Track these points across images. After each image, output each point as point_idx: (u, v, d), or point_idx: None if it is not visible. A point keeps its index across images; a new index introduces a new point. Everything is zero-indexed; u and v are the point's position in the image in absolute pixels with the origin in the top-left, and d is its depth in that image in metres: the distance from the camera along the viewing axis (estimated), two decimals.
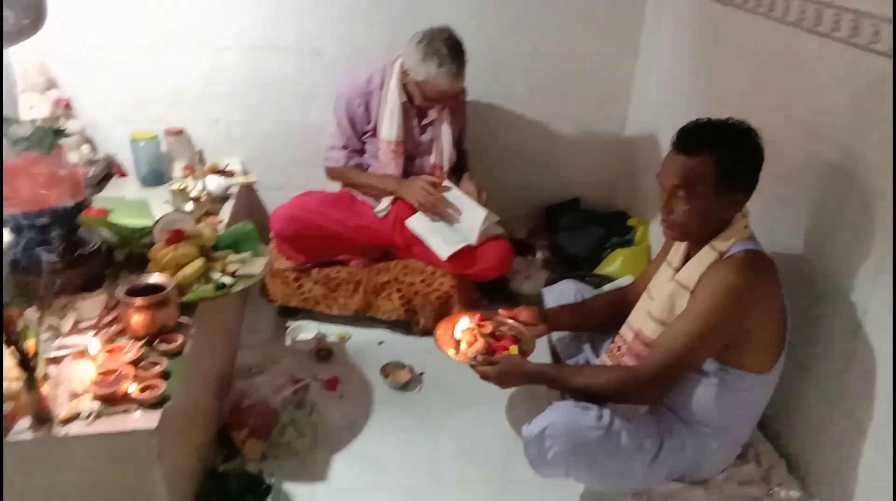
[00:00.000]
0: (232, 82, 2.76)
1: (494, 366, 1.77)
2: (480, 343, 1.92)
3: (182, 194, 2.44)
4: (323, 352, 2.44)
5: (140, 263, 1.96)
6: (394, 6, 2.71)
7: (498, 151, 3.03)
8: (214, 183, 2.55)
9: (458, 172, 2.69)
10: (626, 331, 1.88)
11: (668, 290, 1.73)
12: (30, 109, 2.51)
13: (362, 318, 2.58)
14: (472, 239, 2.45)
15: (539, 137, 3.05)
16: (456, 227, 2.50)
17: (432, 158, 2.63)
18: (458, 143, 2.71)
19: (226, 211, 2.52)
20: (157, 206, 2.46)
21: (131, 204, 2.48)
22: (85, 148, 2.67)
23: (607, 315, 2.02)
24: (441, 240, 2.45)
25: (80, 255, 1.87)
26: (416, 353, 2.48)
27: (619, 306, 1.99)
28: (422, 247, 2.50)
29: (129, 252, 2.02)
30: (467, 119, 2.76)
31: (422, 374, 2.38)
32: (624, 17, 2.88)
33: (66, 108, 2.60)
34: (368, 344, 2.54)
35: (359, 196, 2.66)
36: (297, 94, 2.82)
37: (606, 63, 2.96)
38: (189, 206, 2.40)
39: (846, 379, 1.75)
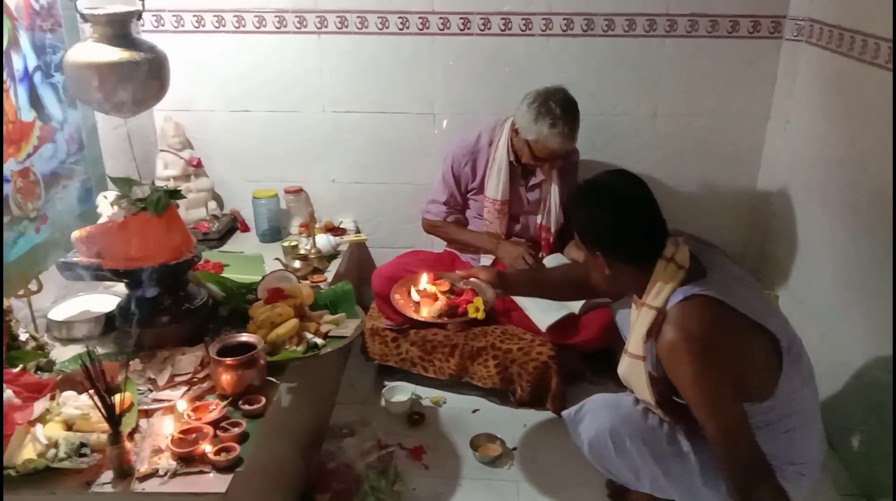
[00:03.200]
0: (349, 144, 2.86)
1: None
2: (442, 301, 1.91)
3: (292, 250, 2.52)
4: (415, 416, 2.39)
5: (242, 319, 2.02)
6: (508, 69, 2.71)
7: None
8: (324, 241, 2.63)
9: (564, 237, 2.60)
10: None
11: (626, 363, 1.66)
12: (164, 167, 2.73)
13: (458, 383, 2.52)
14: (575, 308, 2.35)
15: (657, 199, 2.89)
16: None
17: (539, 219, 2.57)
18: (567, 207, 2.63)
19: (333, 269, 2.58)
20: (271, 262, 2.56)
21: (247, 259, 2.60)
22: (212, 204, 2.85)
23: (566, 290, 2.02)
24: (542, 309, 2.36)
25: (185, 309, 1.96)
26: (511, 425, 2.38)
27: (578, 283, 1.93)
28: (521, 313, 2.42)
29: (234, 308, 2.10)
30: (578, 181, 2.67)
31: (514, 449, 2.27)
32: (754, 76, 2.69)
33: (197, 166, 2.79)
34: (462, 411, 2.47)
35: (462, 257, 2.63)
36: (409, 155, 2.87)
37: (734, 123, 2.77)
38: (297, 263, 2.47)
39: None
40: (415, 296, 1.97)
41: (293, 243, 2.55)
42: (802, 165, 2.59)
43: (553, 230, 2.57)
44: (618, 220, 1.56)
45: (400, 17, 2.66)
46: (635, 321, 1.62)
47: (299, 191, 2.90)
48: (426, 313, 1.92)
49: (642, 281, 1.58)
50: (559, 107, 2.29)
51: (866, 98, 2.15)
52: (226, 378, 1.72)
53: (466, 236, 2.60)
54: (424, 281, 1.99)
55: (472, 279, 1.96)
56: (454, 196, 2.60)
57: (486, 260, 2.56)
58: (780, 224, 2.73)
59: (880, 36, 2.06)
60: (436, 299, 1.93)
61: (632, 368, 1.63)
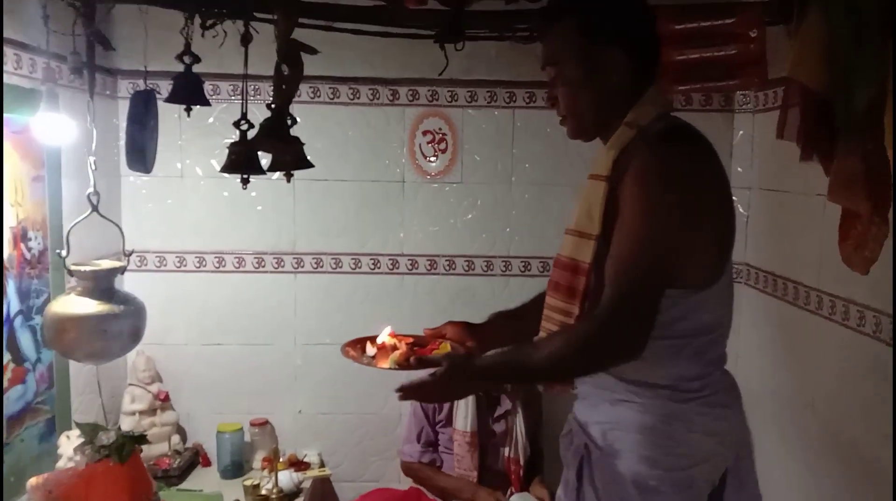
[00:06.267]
0: (318, 376, 2.92)
1: (436, 371, 1.41)
2: (403, 349, 1.60)
3: (253, 491, 2.46)
4: None
5: None
6: (472, 305, 2.86)
7: None
8: (286, 478, 2.57)
9: (531, 472, 2.60)
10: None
11: (583, 192, 1.47)
12: (131, 401, 2.72)
13: None
14: None
15: None
16: None
17: (506, 451, 2.58)
18: (534, 438, 2.65)
19: None
20: None
21: (206, 499, 2.52)
22: (175, 437, 2.81)
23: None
24: None
25: None
26: None
27: None
28: None
29: None
30: (542, 411, 2.73)
31: None
32: None
33: (164, 400, 2.79)
34: None
35: (427, 494, 2.59)
36: (377, 386, 2.91)
37: None
38: None
39: None
40: (370, 351, 1.70)
41: (255, 483, 2.49)
42: (755, 401, 2.67)
43: (522, 463, 2.56)
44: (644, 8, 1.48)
45: (372, 259, 2.87)
46: (606, 145, 1.46)
47: (265, 423, 2.88)
48: (385, 365, 1.60)
49: (626, 100, 1.43)
50: None
51: (806, 342, 2.30)
52: None
53: (443, 481, 2.58)
54: (385, 335, 1.72)
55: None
56: (425, 431, 2.62)
57: None
58: None
59: (810, 285, 2.27)
60: (395, 350, 1.65)
61: (592, 190, 1.44)
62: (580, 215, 1.46)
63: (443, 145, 2.85)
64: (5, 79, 2.03)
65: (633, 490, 1.42)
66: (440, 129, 2.84)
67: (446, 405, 2.59)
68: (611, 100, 1.44)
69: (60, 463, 2.18)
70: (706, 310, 1.41)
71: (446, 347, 1.64)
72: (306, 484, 2.68)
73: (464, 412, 2.55)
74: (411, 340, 1.70)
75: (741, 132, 2.78)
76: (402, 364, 1.56)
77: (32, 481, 1.88)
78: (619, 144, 1.41)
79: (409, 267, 2.88)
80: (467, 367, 1.43)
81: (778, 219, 2.55)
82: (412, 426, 2.64)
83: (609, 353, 1.36)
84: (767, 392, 2.57)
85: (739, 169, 2.78)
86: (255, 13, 1.85)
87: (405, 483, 2.74)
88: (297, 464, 2.79)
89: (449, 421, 2.59)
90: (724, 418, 1.46)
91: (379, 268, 2.88)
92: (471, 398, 2.54)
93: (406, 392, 1.47)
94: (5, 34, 2.01)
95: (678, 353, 1.40)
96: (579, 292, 1.43)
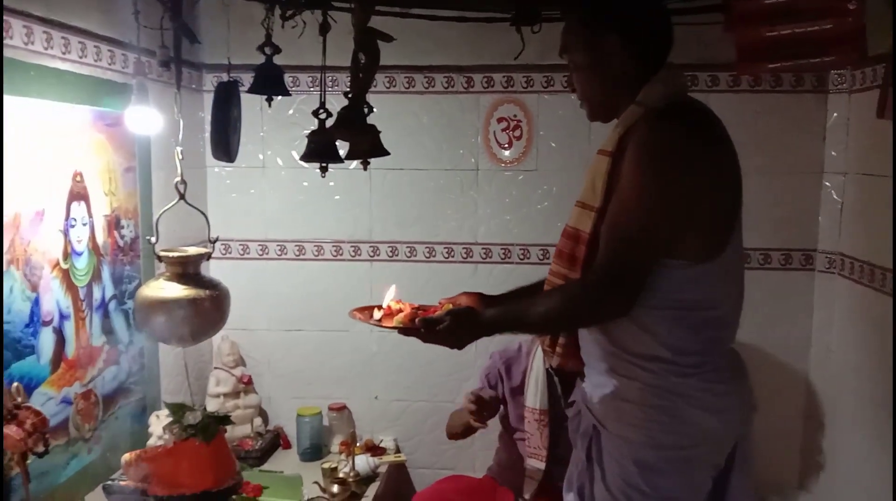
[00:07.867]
0: (393, 362, 2.95)
1: (442, 323, 1.51)
2: (407, 310, 1.65)
3: (331, 473, 2.51)
4: None
5: None
6: None
7: None
8: (363, 462, 2.62)
9: None
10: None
11: (590, 166, 1.54)
12: (216, 384, 2.83)
13: None
14: None
15: None
16: None
17: None
18: None
19: (370, 494, 2.54)
20: (309, 484, 2.53)
21: (286, 480, 2.59)
22: (257, 420, 2.90)
23: None
24: None
25: None
26: None
27: None
28: None
29: None
30: None
31: None
32: (790, 307, 2.75)
33: (247, 383, 2.89)
34: None
35: (501, 484, 2.58)
36: (450, 375, 2.93)
37: (774, 354, 2.78)
38: (335, 488, 2.45)
39: None
40: (377, 315, 1.73)
41: (333, 466, 2.55)
42: (848, 399, 2.54)
43: None
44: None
45: (446, 248, 2.87)
46: (615, 124, 1.54)
47: (343, 408, 2.94)
48: (390, 324, 1.65)
49: (633, 83, 1.50)
50: None
51: None
52: None
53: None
54: (390, 298, 1.75)
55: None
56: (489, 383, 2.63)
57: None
58: (827, 458, 2.63)
59: None
60: (400, 312, 1.68)
61: (598, 165, 1.53)
62: (586, 188, 1.56)
63: (517, 133, 2.82)
64: (100, 74, 2.14)
65: (635, 468, 1.47)
66: (515, 116, 2.81)
67: (514, 379, 2.58)
68: (616, 83, 1.53)
69: (151, 441, 2.30)
70: (706, 284, 1.46)
71: (448, 307, 1.67)
72: (382, 469, 2.72)
73: (534, 388, 2.52)
74: (416, 305, 1.75)
75: (835, 115, 2.62)
76: (406, 324, 1.61)
77: (126, 457, 1.98)
78: (627, 122, 1.49)
79: (483, 256, 2.87)
80: (471, 317, 1.53)
81: (875, 205, 2.39)
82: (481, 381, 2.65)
83: (594, 312, 1.48)
84: (864, 390, 2.43)
85: (833, 153, 2.63)
86: (332, 2, 1.87)
87: (479, 472, 2.74)
88: (374, 449, 2.84)
89: (515, 394, 2.57)
90: (727, 395, 1.50)
91: (453, 257, 2.88)
92: (541, 376, 2.50)
93: (409, 331, 1.56)
94: (100, 31, 2.11)
95: (677, 324, 1.46)
96: (579, 260, 1.53)
